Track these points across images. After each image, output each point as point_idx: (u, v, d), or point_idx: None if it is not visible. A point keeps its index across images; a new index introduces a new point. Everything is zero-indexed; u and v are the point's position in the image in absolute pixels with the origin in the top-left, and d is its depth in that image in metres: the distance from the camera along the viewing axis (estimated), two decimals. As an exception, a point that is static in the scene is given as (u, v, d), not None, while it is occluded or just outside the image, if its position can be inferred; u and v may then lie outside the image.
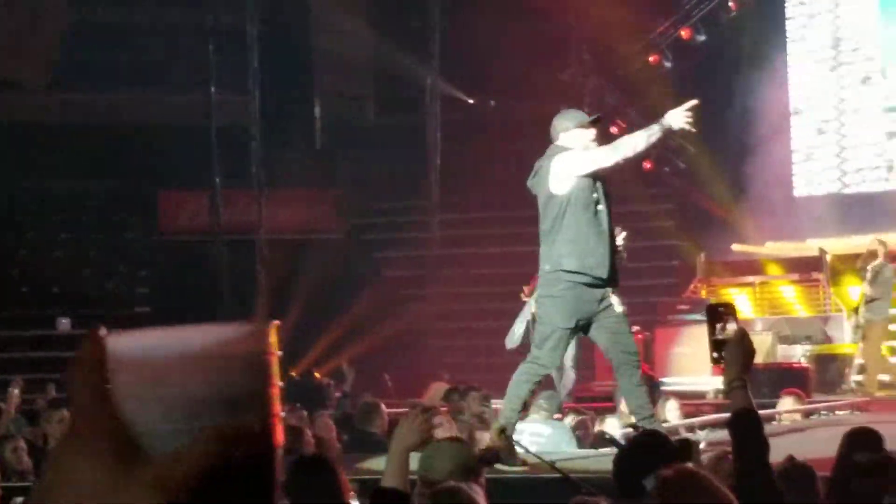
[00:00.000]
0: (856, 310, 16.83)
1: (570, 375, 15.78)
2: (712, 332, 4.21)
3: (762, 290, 21.11)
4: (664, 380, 16.81)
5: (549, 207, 8.51)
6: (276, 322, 1.55)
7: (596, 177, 8.46)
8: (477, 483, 5.29)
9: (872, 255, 16.61)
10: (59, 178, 22.47)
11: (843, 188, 22.04)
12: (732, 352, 4.13)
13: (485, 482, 5.53)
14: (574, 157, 8.48)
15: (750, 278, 20.91)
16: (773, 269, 21.33)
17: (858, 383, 17.76)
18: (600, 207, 8.47)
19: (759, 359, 15.07)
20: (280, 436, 1.38)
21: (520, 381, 8.58)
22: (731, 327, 4.17)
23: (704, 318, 4.29)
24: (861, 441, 5.53)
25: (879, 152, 21.70)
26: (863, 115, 21.86)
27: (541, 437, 10.29)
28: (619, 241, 8.89)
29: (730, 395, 4.11)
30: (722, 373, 4.15)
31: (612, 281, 8.48)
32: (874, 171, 21.79)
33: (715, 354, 4.20)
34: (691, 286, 20.49)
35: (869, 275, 16.52)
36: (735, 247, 21.91)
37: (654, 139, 8.31)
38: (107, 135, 22.31)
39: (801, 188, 22.17)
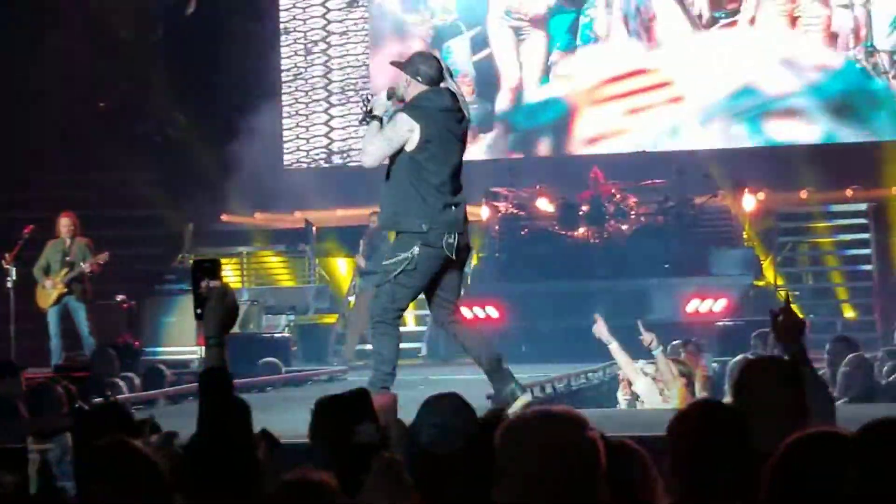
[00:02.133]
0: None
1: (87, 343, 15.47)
2: (196, 287, 4.18)
3: (249, 260, 21.34)
4: (150, 349, 16.76)
5: None
6: None
7: None
8: None
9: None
10: None
11: (330, 160, 22.58)
12: (212, 308, 4.09)
13: None
14: None
15: (238, 248, 21.09)
16: (261, 240, 21.64)
17: (338, 352, 18.34)
18: None
19: (238, 328, 15.29)
20: None
21: None
22: (214, 284, 4.14)
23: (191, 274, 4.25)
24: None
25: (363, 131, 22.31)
26: (349, 95, 22.40)
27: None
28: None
29: (206, 353, 4.06)
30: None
31: None
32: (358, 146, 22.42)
33: (198, 311, 4.15)
34: (179, 256, 20.41)
35: (366, 248, 17.20)
36: (224, 217, 22.03)
37: None
38: None
39: (290, 160, 22.54)
